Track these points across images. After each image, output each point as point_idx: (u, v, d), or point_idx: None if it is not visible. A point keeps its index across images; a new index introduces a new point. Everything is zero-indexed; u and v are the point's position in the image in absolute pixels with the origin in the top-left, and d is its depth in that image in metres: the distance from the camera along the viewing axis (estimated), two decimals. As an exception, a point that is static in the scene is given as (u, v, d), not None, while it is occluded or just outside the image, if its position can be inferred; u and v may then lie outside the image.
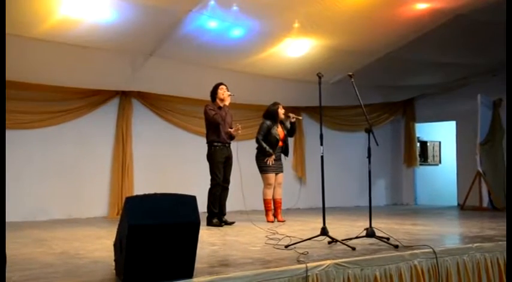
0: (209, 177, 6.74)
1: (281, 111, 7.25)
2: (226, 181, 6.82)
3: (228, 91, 6.82)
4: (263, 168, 7.13)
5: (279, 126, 7.26)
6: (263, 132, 7.13)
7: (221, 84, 6.86)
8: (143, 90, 8.78)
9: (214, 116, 6.65)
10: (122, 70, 7.84)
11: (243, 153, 6.72)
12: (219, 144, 6.72)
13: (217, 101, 6.83)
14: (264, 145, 7.07)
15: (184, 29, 6.72)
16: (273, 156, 7.07)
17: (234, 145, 6.85)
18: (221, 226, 6.54)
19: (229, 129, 6.86)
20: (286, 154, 7.37)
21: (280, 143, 7.21)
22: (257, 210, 7.88)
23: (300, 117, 7.44)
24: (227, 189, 6.84)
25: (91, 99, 8.42)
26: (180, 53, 7.51)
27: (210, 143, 6.77)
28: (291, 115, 7.23)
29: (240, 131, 6.86)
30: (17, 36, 6.29)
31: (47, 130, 8.07)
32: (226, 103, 6.82)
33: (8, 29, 5.82)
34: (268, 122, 7.18)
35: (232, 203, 7.21)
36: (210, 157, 6.74)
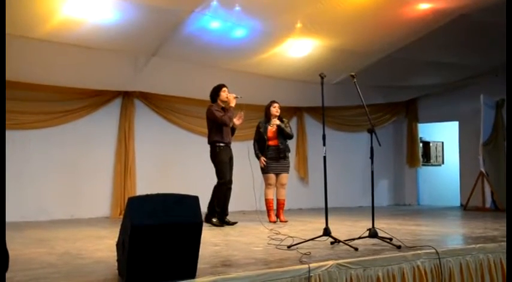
0: (211, 177, 6.71)
1: (273, 108, 7.24)
2: (230, 181, 6.81)
3: (229, 93, 6.78)
4: (262, 168, 7.14)
5: (274, 124, 7.25)
6: (256, 132, 7.26)
7: (223, 86, 6.82)
8: (146, 90, 8.79)
9: (223, 117, 6.61)
10: (125, 70, 7.85)
11: (245, 154, 6.70)
12: (223, 144, 6.70)
13: (219, 102, 6.80)
14: (254, 147, 7.19)
15: (186, 29, 6.73)
16: (261, 159, 7.07)
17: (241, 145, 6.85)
18: (222, 226, 6.51)
19: (235, 122, 6.86)
20: (285, 153, 7.30)
21: (272, 142, 7.16)
22: (259, 211, 7.87)
23: (278, 122, 7.28)
24: (230, 189, 6.81)
25: (93, 99, 8.43)
26: (183, 54, 7.52)
27: (213, 144, 6.73)
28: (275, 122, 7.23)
29: (242, 119, 6.85)
30: (20, 37, 6.30)
31: (49, 130, 8.08)
32: (232, 105, 6.75)
33: (11, 30, 5.85)
34: (261, 120, 7.28)
35: (234, 204, 7.20)
36: (216, 158, 6.70)
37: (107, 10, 6.04)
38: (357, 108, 10.12)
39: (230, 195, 6.81)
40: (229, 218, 6.78)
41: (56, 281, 3.06)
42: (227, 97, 6.75)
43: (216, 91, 6.82)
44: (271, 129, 7.20)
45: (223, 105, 6.79)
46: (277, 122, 7.20)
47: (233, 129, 6.94)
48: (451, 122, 11.44)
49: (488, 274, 4.29)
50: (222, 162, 6.67)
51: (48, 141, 8.08)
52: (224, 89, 6.81)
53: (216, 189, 6.62)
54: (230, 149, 6.83)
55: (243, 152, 6.82)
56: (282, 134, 7.22)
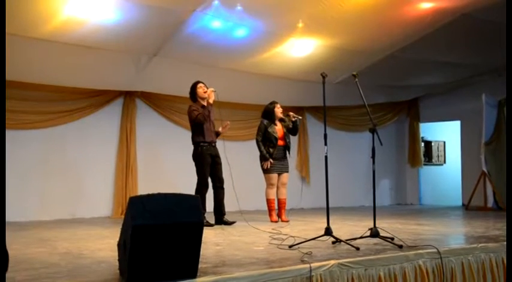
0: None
1: (278, 109, 7.21)
2: (220, 180, 6.74)
3: (207, 88, 6.67)
4: (264, 169, 7.11)
5: (278, 124, 7.23)
6: (261, 133, 7.11)
7: (199, 82, 6.72)
8: (147, 90, 8.80)
9: (198, 116, 6.51)
10: (126, 70, 7.86)
11: (246, 153, 6.70)
12: (206, 144, 6.63)
13: (199, 100, 6.70)
14: (262, 148, 7.05)
15: (188, 29, 6.73)
16: (269, 161, 6.99)
17: (238, 145, 6.83)
18: (211, 225, 6.43)
19: (218, 130, 6.85)
20: (288, 152, 7.31)
21: (281, 142, 7.14)
22: (261, 210, 7.88)
23: (300, 117, 7.40)
24: (223, 188, 6.75)
25: (95, 99, 8.44)
26: (184, 53, 7.52)
27: (196, 144, 6.67)
28: (291, 114, 7.21)
29: (228, 127, 6.84)
30: (22, 37, 6.32)
31: (51, 130, 8.09)
32: (211, 101, 6.64)
33: (13, 30, 5.87)
34: (265, 121, 7.14)
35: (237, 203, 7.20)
36: (198, 157, 6.64)
37: (108, 10, 6.05)
38: (359, 108, 10.13)
39: (224, 195, 6.77)
40: (227, 217, 6.76)
41: (57, 281, 3.06)
42: (205, 92, 6.65)
43: (192, 89, 6.74)
44: (281, 129, 7.19)
45: (203, 103, 6.66)
46: (300, 117, 7.31)
47: (217, 134, 6.88)
48: (453, 121, 11.43)
49: (490, 274, 4.29)
50: (201, 162, 6.62)
51: (49, 140, 8.09)
52: (200, 85, 6.70)
53: (197, 192, 6.45)
54: (214, 148, 6.76)
55: (244, 152, 6.81)
56: (288, 133, 7.23)
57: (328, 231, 4.55)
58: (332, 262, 3.50)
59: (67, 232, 6.13)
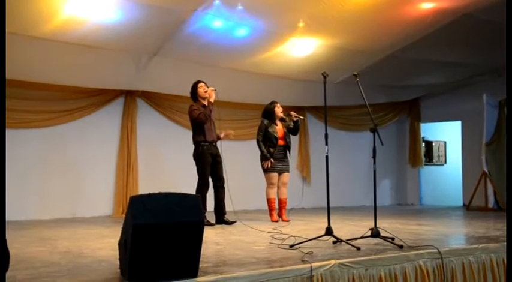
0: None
1: (278, 109, 7.20)
2: (220, 180, 6.74)
3: (207, 87, 6.66)
4: (265, 168, 7.10)
5: (278, 124, 7.22)
6: (262, 133, 7.09)
7: (199, 82, 6.72)
8: (148, 89, 8.80)
9: (200, 115, 6.51)
10: (127, 69, 7.86)
11: (246, 152, 6.69)
12: (207, 143, 6.63)
13: (200, 99, 6.70)
14: (262, 148, 7.03)
15: (189, 28, 6.73)
16: (269, 161, 6.97)
17: (238, 145, 6.83)
18: (211, 225, 6.44)
19: (220, 135, 6.85)
20: (288, 152, 7.31)
21: (281, 142, 7.14)
22: (261, 210, 7.88)
23: (302, 117, 7.39)
24: (223, 188, 6.74)
25: (96, 98, 8.44)
26: (185, 53, 7.52)
27: (197, 143, 6.66)
28: (293, 114, 7.21)
29: (232, 136, 6.83)
30: (22, 36, 6.32)
31: (52, 129, 8.10)
32: (212, 100, 6.64)
33: (13, 29, 5.87)
34: (265, 121, 7.13)
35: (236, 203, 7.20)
36: (198, 157, 6.64)
37: (109, 9, 6.05)
38: (360, 108, 10.11)
39: (224, 194, 6.76)
40: (227, 217, 6.76)
41: (58, 280, 3.06)
42: (205, 92, 6.64)
43: (193, 89, 6.73)
44: (281, 129, 7.18)
45: (204, 103, 6.66)
46: (302, 117, 7.34)
47: (217, 137, 6.85)
48: (454, 121, 11.42)
49: (491, 274, 4.28)
50: (201, 161, 6.62)
51: (50, 139, 8.09)
52: (201, 84, 6.70)
53: (197, 192, 6.44)
54: (215, 148, 6.76)
55: (244, 151, 6.79)
56: (289, 133, 7.23)
57: (328, 231, 4.54)
58: (333, 262, 3.50)
59: (67, 231, 6.13)
